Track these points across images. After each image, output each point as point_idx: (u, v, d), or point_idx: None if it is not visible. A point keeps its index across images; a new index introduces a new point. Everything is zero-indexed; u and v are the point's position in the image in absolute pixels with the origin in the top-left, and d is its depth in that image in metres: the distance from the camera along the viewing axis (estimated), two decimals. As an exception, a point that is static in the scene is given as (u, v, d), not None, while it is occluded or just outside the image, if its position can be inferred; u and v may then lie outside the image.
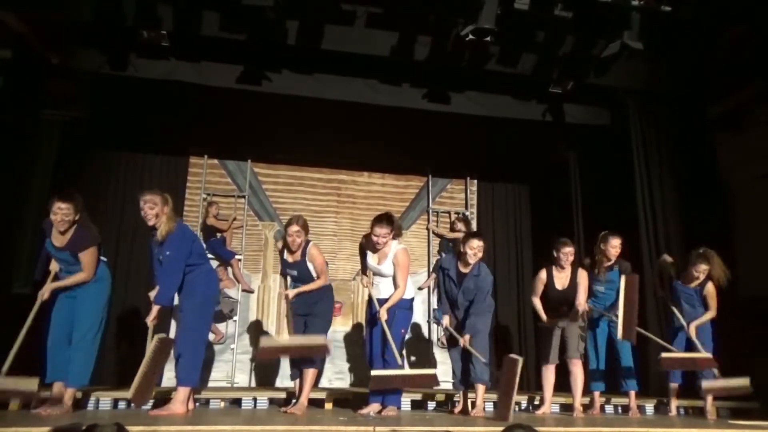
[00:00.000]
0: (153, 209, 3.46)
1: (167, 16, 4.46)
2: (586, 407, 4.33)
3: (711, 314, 4.28)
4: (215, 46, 4.83)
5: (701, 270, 4.24)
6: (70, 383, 3.41)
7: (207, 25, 4.53)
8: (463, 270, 4.02)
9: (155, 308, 3.47)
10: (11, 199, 4.69)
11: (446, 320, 4.11)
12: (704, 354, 4.13)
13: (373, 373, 3.34)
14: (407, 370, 3.45)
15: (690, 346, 4.29)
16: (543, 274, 4.26)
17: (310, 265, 3.85)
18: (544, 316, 4.18)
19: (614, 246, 4.35)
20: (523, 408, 4.59)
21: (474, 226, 6.54)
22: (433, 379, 3.36)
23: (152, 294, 3.60)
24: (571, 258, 4.16)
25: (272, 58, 5.00)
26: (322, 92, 5.20)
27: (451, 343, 4.22)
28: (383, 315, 3.66)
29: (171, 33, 4.58)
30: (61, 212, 3.36)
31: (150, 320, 3.48)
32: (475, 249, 3.93)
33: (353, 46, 4.75)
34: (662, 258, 4.67)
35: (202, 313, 3.64)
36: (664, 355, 4.09)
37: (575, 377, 4.17)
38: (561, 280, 4.19)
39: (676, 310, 4.37)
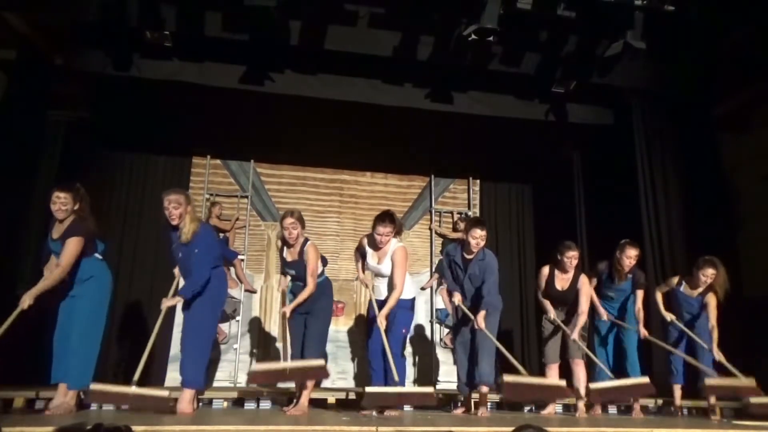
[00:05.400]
0: (178, 209, 3.46)
1: (170, 16, 4.48)
2: (588, 407, 4.32)
3: (717, 331, 4.19)
4: (218, 47, 4.84)
5: (708, 274, 4.20)
6: (71, 385, 3.40)
7: (210, 26, 4.54)
8: (468, 256, 4.03)
9: (177, 298, 3.49)
10: (16, 199, 4.71)
11: (457, 297, 4.04)
12: (745, 382, 3.97)
13: (368, 390, 3.28)
14: (403, 388, 3.37)
15: (691, 355, 4.30)
16: (545, 271, 4.28)
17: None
18: (551, 312, 4.18)
19: (629, 256, 4.29)
20: (527, 409, 4.58)
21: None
22: (430, 397, 3.27)
23: (177, 271, 3.70)
24: (575, 262, 4.13)
25: (275, 59, 5.01)
26: (325, 92, 5.21)
27: (456, 336, 4.19)
28: (381, 323, 3.65)
29: (174, 34, 4.59)
30: (60, 201, 3.37)
31: (166, 304, 3.49)
32: (477, 238, 3.92)
33: (356, 46, 4.75)
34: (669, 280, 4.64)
35: (210, 315, 3.65)
36: (708, 381, 3.97)
37: (577, 377, 4.16)
38: (562, 282, 4.19)
39: (677, 321, 4.36)
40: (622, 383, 4.01)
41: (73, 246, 3.35)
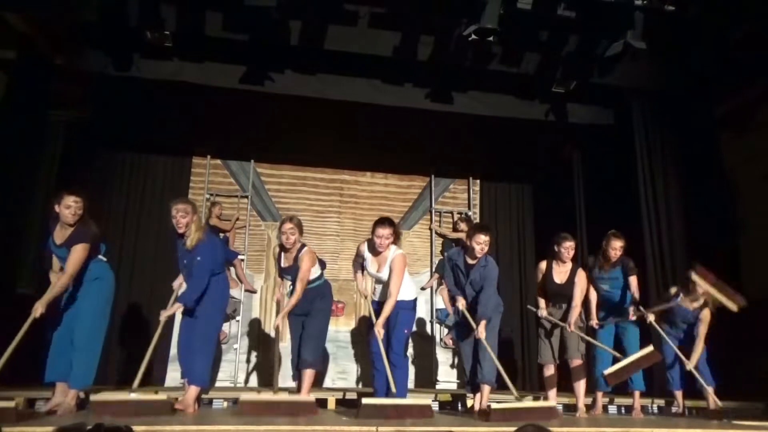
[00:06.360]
0: (185, 218, 3.56)
1: (170, 16, 4.48)
2: (589, 407, 4.32)
3: (702, 345, 4.23)
4: (218, 47, 4.84)
5: (617, 247, 4.29)
6: (74, 385, 3.39)
7: (210, 26, 4.54)
8: (471, 261, 4.02)
9: (176, 306, 3.52)
10: (16, 199, 4.71)
11: (461, 303, 4.03)
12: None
13: (364, 401, 3.29)
14: (401, 400, 3.38)
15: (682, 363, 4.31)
16: (543, 265, 4.28)
17: None
18: (543, 309, 4.19)
19: (614, 248, 4.31)
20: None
21: (477, 226, 6.53)
22: (428, 411, 3.28)
23: (175, 284, 3.82)
24: (572, 252, 4.14)
25: (275, 59, 5.01)
26: (325, 92, 5.21)
27: (461, 335, 4.19)
28: (379, 332, 3.66)
29: (174, 34, 4.59)
30: (75, 205, 3.37)
31: (165, 315, 3.52)
32: (482, 243, 3.91)
33: (356, 46, 4.75)
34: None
35: (216, 318, 3.73)
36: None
37: (577, 377, 4.16)
38: (560, 274, 4.18)
39: (663, 333, 4.34)
40: (630, 360, 4.07)
41: (79, 253, 3.37)
